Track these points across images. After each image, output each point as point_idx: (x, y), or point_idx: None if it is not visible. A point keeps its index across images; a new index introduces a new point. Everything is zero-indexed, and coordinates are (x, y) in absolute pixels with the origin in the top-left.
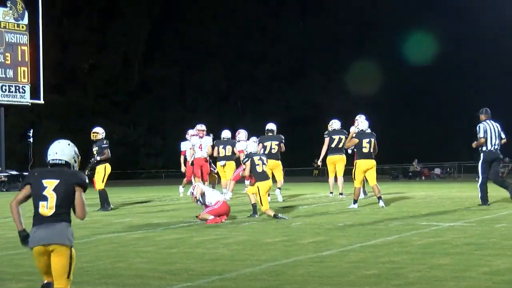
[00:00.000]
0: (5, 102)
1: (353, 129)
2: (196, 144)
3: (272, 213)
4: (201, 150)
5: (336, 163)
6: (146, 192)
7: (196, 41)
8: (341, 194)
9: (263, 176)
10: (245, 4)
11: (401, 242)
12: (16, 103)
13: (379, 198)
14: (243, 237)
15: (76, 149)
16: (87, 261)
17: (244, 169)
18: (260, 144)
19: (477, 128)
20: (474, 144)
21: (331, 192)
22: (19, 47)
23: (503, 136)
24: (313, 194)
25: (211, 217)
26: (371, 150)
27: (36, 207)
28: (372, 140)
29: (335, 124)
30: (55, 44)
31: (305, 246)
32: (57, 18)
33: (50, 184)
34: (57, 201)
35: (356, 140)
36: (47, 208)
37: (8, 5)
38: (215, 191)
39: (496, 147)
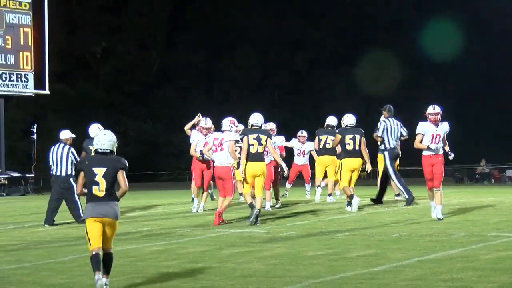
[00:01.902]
0: (5, 93)
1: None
2: (198, 141)
3: (249, 200)
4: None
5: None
6: (167, 197)
7: (225, 22)
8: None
9: (254, 157)
10: None
11: (465, 256)
12: (17, 93)
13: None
14: (280, 249)
15: (116, 138)
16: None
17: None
18: (316, 137)
19: (378, 125)
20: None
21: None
22: (21, 29)
23: (404, 133)
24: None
25: None
26: (357, 148)
27: (90, 189)
28: (357, 136)
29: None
30: (63, 26)
31: (353, 260)
32: None
33: (99, 172)
34: (107, 185)
35: (339, 137)
36: (99, 190)
37: None
38: None
39: (396, 144)
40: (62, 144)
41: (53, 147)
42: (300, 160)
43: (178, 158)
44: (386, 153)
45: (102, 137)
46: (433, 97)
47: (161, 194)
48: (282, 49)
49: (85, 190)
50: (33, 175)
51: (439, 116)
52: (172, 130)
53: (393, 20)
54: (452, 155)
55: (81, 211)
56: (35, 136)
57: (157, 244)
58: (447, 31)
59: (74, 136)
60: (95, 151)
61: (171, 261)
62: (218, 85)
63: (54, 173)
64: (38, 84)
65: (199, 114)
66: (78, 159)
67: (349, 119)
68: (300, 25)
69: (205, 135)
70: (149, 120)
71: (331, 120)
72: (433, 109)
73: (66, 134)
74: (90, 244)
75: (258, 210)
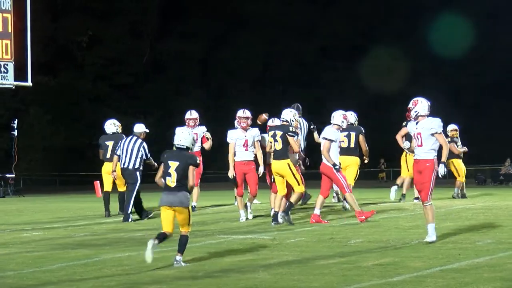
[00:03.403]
0: None
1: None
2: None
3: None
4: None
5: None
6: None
7: (224, 8)
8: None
9: (273, 156)
10: None
11: (493, 265)
12: None
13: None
14: (288, 257)
15: (194, 136)
16: None
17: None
18: None
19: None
20: None
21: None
22: (0, 14)
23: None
24: (377, 203)
25: None
26: (352, 146)
27: (165, 179)
28: (352, 134)
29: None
30: (46, 12)
31: (369, 270)
32: None
33: (173, 165)
34: (177, 177)
35: None
36: (171, 182)
37: None
38: None
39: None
40: (134, 137)
41: (125, 138)
42: None
43: None
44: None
45: (180, 135)
46: (451, 90)
47: (153, 196)
48: (289, 37)
49: (163, 180)
50: (13, 176)
51: (413, 112)
52: (165, 125)
53: (410, 7)
54: (443, 169)
55: (130, 210)
56: (15, 133)
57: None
58: (466, 22)
59: (148, 131)
60: (175, 146)
61: (168, 270)
62: (215, 77)
63: (122, 165)
64: (19, 75)
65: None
66: (149, 155)
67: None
68: (309, 11)
69: (192, 127)
70: (139, 114)
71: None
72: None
73: (140, 128)
74: (162, 228)
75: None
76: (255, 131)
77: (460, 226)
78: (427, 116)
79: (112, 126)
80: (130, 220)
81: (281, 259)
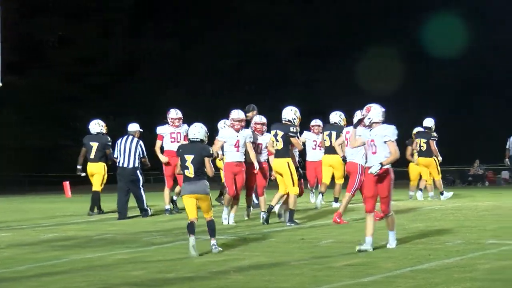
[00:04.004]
0: None
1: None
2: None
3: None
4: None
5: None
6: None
7: (198, 6)
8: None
9: (275, 154)
10: None
11: (463, 266)
12: None
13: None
14: (259, 258)
15: (206, 129)
16: None
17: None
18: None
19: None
20: None
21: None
22: None
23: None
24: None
25: None
26: (333, 145)
27: (184, 172)
28: (333, 133)
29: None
30: (16, 9)
31: (340, 270)
32: None
33: (189, 158)
34: (194, 169)
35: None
36: (190, 173)
37: None
38: None
39: None
40: (130, 137)
41: (120, 138)
42: (316, 155)
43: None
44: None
45: (193, 129)
46: (420, 92)
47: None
48: (263, 36)
49: (181, 172)
50: None
51: (366, 118)
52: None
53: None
54: (376, 168)
55: (145, 204)
56: None
57: (123, 252)
58: (448, 24)
59: (141, 130)
60: (189, 140)
61: (139, 271)
62: (189, 76)
63: (120, 165)
64: None
65: None
66: (145, 153)
67: (332, 116)
68: (284, 10)
69: (177, 126)
70: (112, 115)
71: (427, 122)
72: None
73: (134, 127)
74: (188, 216)
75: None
76: (248, 132)
77: (429, 227)
78: (382, 122)
79: (96, 126)
80: (150, 213)
81: (252, 260)
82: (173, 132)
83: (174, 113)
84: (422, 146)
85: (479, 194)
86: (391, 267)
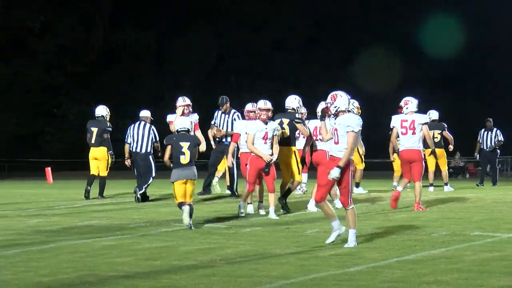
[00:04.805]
0: None
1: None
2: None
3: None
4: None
5: None
6: (115, 188)
7: None
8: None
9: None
10: None
11: (449, 257)
12: None
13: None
14: (245, 247)
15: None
16: (47, 274)
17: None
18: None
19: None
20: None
21: None
22: None
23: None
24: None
25: None
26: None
27: (178, 158)
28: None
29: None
30: None
31: (326, 260)
32: None
33: (185, 145)
34: (190, 155)
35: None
36: (185, 159)
37: None
38: None
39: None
40: (143, 122)
41: (133, 124)
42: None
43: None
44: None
45: (180, 121)
46: (401, 82)
47: (109, 185)
48: (242, 28)
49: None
50: None
51: (332, 107)
52: (118, 115)
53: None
54: (336, 173)
55: (144, 190)
56: None
57: (108, 239)
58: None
59: (152, 118)
60: (177, 131)
61: (125, 258)
62: (170, 67)
63: (134, 150)
64: None
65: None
66: (158, 138)
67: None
68: (263, 4)
69: (187, 114)
70: (92, 103)
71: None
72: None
73: (146, 113)
74: (176, 199)
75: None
76: (275, 124)
77: (414, 218)
78: (348, 111)
79: (102, 109)
80: (145, 198)
81: (238, 249)
82: None
83: (182, 101)
84: (436, 138)
85: (460, 186)
86: (377, 257)
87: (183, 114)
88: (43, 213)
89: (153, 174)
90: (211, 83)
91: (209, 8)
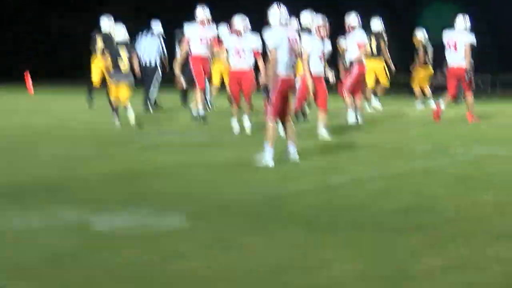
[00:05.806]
0: None
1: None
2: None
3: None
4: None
5: None
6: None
7: None
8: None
9: None
10: None
11: (432, 172)
12: None
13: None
14: (227, 156)
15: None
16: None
17: None
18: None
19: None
20: None
21: None
22: None
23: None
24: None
25: None
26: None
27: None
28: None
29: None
30: None
31: (307, 172)
32: None
33: (123, 54)
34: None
35: None
36: (124, 65)
37: None
38: None
39: None
40: (150, 34)
41: (142, 36)
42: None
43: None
44: None
45: (119, 32)
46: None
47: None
48: None
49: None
50: None
51: None
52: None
53: None
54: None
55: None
56: None
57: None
58: None
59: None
60: (117, 42)
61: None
62: None
63: (142, 62)
64: None
65: None
66: (165, 52)
67: None
68: None
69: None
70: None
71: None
72: None
73: (158, 25)
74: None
75: None
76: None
77: (394, 133)
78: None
79: (106, 22)
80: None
81: (218, 159)
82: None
83: (201, 12)
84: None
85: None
86: (359, 170)
87: (201, 25)
88: None
89: (157, 86)
90: None
91: None
